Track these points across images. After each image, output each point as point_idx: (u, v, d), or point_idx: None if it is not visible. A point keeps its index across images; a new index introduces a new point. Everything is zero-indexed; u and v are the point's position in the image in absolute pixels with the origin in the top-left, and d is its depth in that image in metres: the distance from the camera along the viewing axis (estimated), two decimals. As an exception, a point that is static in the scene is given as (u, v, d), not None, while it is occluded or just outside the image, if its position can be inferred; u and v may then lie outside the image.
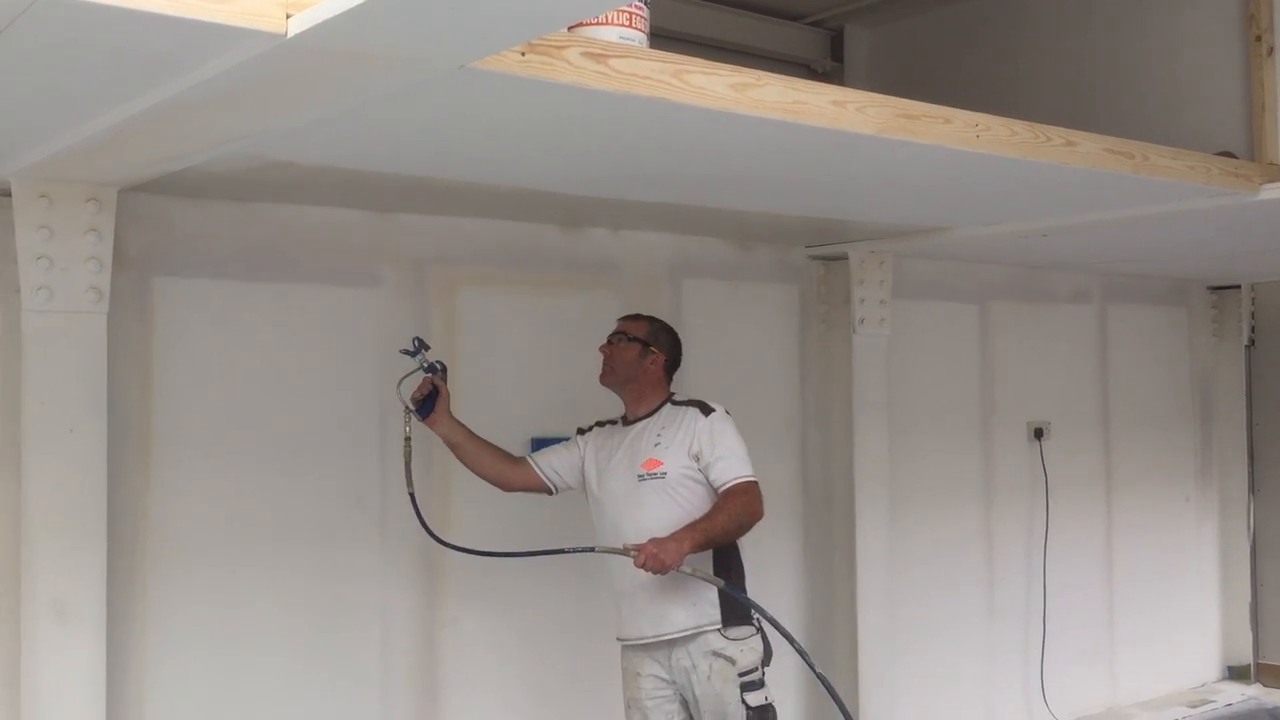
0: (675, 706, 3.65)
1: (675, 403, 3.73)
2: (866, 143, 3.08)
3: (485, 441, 3.72)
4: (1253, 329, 6.89)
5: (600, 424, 3.84)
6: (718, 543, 3.52)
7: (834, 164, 3.40)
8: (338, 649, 3.94)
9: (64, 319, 3.24)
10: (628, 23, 2.65)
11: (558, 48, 2.39)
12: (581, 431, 3.86)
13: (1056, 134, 3.47)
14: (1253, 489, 6.88)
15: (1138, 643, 6.44)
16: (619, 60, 2.51)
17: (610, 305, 4.60)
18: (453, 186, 3.61)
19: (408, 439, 3.58)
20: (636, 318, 3.83)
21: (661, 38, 2.95)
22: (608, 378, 3.76)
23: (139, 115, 2.41)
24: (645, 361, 3.72)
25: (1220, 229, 4.71)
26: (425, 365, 3.56)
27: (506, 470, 3.76)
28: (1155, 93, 4.42)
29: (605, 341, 3.78)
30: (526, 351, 4.40)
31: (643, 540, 3.43)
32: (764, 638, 3.63)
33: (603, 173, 3.44)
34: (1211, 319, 6.93)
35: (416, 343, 3.55)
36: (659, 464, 3.58)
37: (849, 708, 3.62)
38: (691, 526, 3.46)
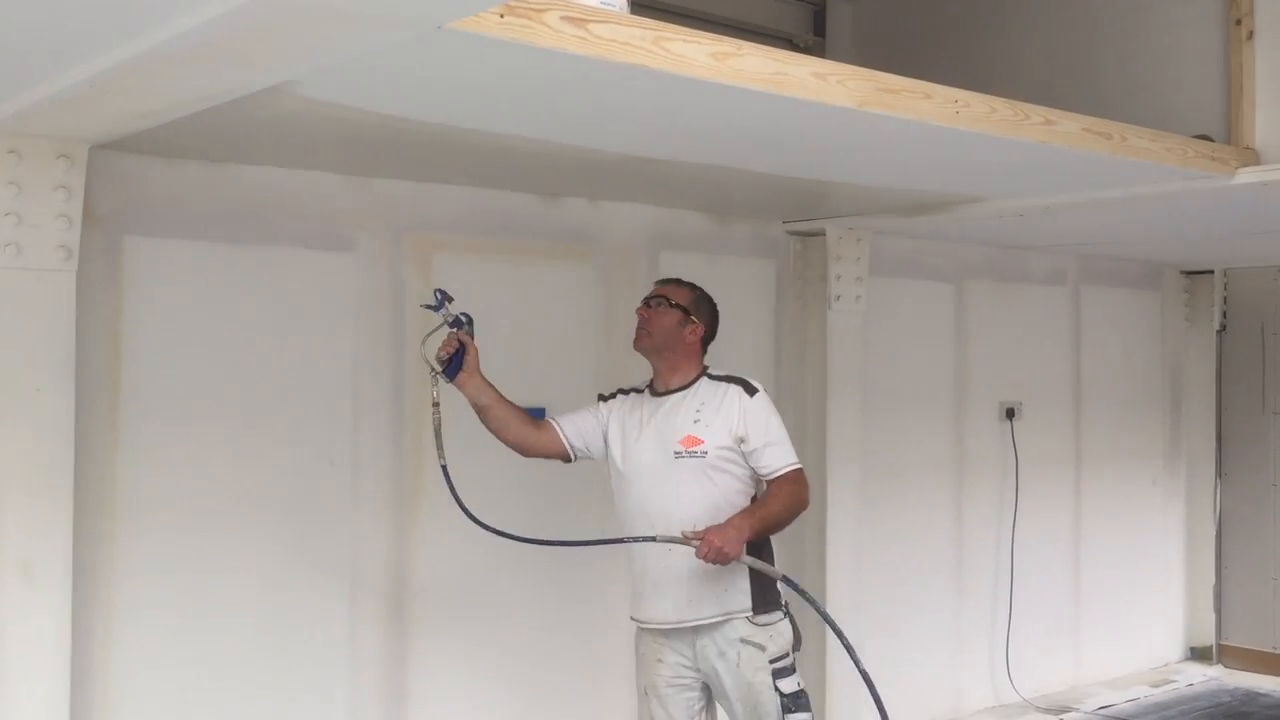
0: (695, 694, 3.51)
1: (713, 377, 3.54)
2: (846, 116, 3.07)
3: (510, 403, 3.50)
4: (1224, 314, 6.94)
5: (624, 391, 3.65)
6: (770, 532, 3.41)
7: (813, 136, 3.39)
8: (307, 612, 3.93)
9: (32, 276, 3.19)
10: (609, -13, 2.63)
11: (537, 10, 2.37)
12: (603, 398, 3.66)
13: (1036, 112, 3.48)
14: (1220, 473, 6.95)
15: (1102, 622, 6.51)
16: (599, 25, 2.49)
17: (587, 276, 4.59)
18: (428, 149, 3.57)
19: (436, 404, 3.35)
20: (679, 283, 3.62)
21: (644, 6, 2.93)
22: (643, 342, 3.54)
23: (110, 70, 2.37)
24: (684, 330, 3.52)
25: (1196, 212, 4.73)
26: (450, 320, 3.31)
27: (530, 434, 3.53)
28: (1135, 75, 4.43)
29: (642, 304, 3.58)
30: (501, 320, 4.37)
31: (673, 522, 3.32)
32: (793, 622, 3.50)
33: (581, 138, 3.41)
34: (1184, 303, 6.98)
35: (439, 295, 3.29)
36: (699, 441, 3.40)
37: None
38: (748, 514, 3.33)
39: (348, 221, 4.03)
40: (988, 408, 5.98)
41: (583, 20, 2.46)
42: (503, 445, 3.57)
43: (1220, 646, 6.93)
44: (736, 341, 5.03)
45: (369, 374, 4.07)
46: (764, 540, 3.46)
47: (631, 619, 3.60)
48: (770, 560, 3.48)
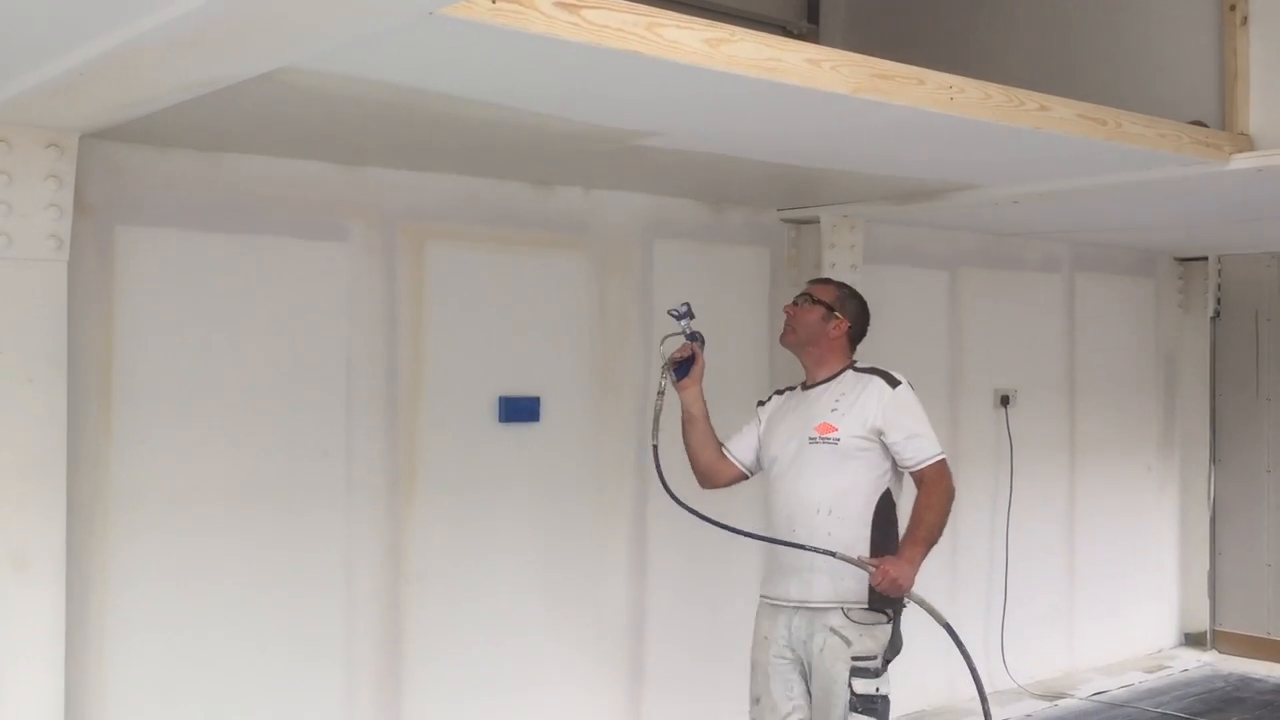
0: (796, 676, 3.57)
1: (858, 370, 3.65)
2: (840, 102, 3.07)
3: (713, 430, 3.69)
4: (1218, 301, 6.95)
5: (779, 392, 3.81)
6: (937, 541, 3.49)
7: (807, 122, 3.38)
8: (301, 601, 3.93)
9: (23, 267, 3.17)
10: (601, -26, 2.62)
11: (529, -5, 2.36)
12: (761, 404, 3.82)
13: (1030, 98, 3.47)
14: (1214, 459, 6.96)
15: (1097, 608, 6.52)
16: (591, 11, 2.48)
17: (581, 265, 4.58)
18: (420, 132, 3.55)
19: (661, 393, 3.60)
20: (826, 282, 3.78)
21: (636, -9, 2.91)
22: (788, 338, 3.70)
23: (100, 57, 2.36)
24: (828, 326, 3.63)
25: (1190, 199, 4.73)
26: (688, 332, 3.59)
27: (718, 463, 3.71)
28: (1129, 60, 4.42)
29: (791, 302, 3.75)
30: (495, 309, 4.37)
31: (803, 504, 3.46)
32: (895, 631, 3.53)
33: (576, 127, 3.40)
34: (1178, 290, 6.98)
35: (685, 307, 3.59)
36: (834, 429, 3.50)
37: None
38: (915, 541, 3.42)
39: (340, 210, 4.01)
40: (982, 395, 5.98)
41: (575, 6, 2.45)
42: (688, 467, 3.72)
43: (1214, 632, 6.94)
44: (732, 329, 5.05)
45: (362, 363, 4.06)
46: (892, 528, 3.52)
47: (761, 595, 3.70)
48: (895, 543, 3.52)
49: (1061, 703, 5.91)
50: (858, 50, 3.17)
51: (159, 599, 3.65)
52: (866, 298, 5.18)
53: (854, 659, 3.44)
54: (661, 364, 3.63)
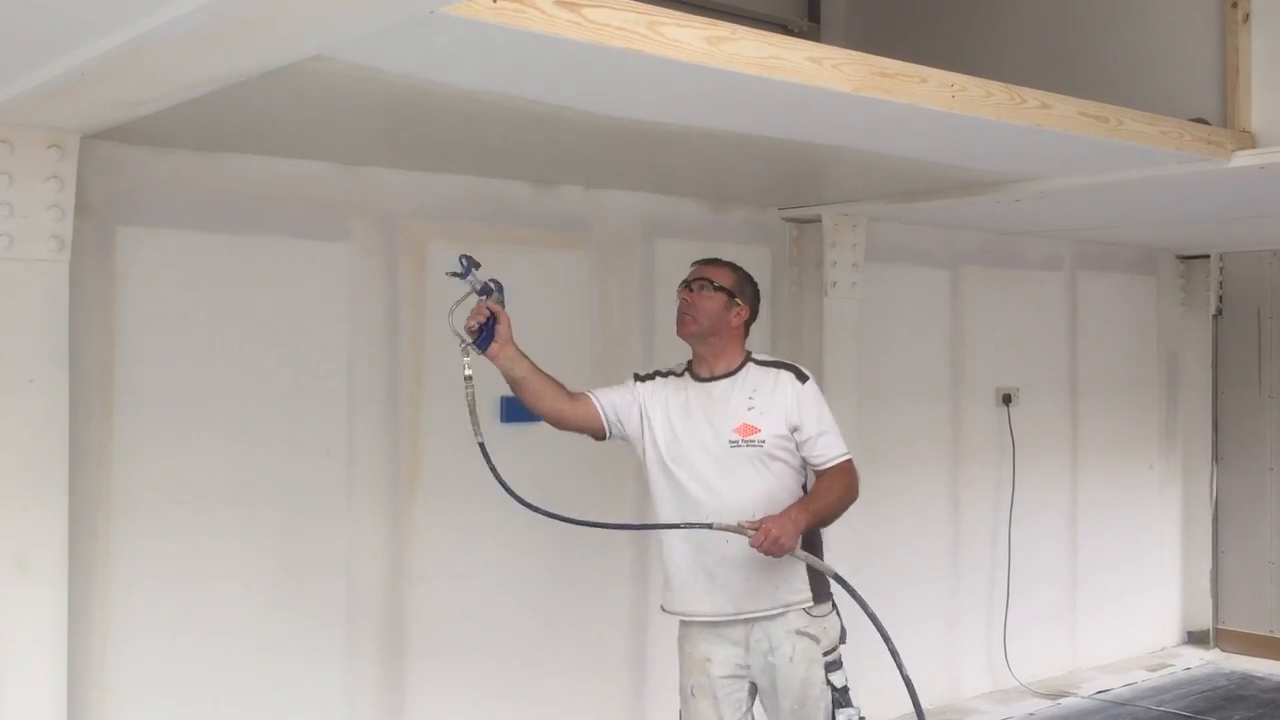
0: (744, 694, 3.38)
1: (759, 362, 3.41)
2: (841, 100, 3.06)
3: (546, 374, 3.29)
4: (1220, 299, 6.94)
5: (661, 374, 3.47)
6: (823, 524, 3.31)
7: (808, 120, 3.38)
8: (304, 602, 3.92)
9: (25, 267, 3.18)
10: (602, -28, 2.61)
11: (531, -6, 2.36)
12: (639, 378, 3.46)
13: (1032, 96, 3.47)
14: (1216, 457, 6.95)
15: (1099, 607, 6.52)
16: (592, 9, 2.47)
17: (582, 264, 4.58)
18: (422, 137, 3.56)
19: (468, 377, 3.15)
20: (718, 263, 3.47)
21: (637, -10, 2.91)
22: (688, 328, 3.37)
23: (101, 58, 2.36)
24: (729, 314, 3.37)
25: (1191, 196, 4.72)
26: (478, 287, 3.13)
27: (566, 406, 3.32)
28: (1131, 58, 4.41)
29: (683, 285, 3.43)
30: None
31: (729, 512, 3.19)
32: (838, 614, 3.40)
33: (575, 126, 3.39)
34: (1180, 288, 6.98)
35: (465, 261, 3.13)
36: (755, 430, 3.27)
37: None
38: (803, 505, 3.21)
39: (342, 211, 4.01)
40: (984, 393, 5.98)
41: (576, 4, 2.44)
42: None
43: (1217, 630, 6.94)
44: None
45: (364, 364, 4.06)
46: (815, 533, 3.36)
47: (666, 611, 3.45)
48: (821, 553, 3.38)
49: (1064, 701, 5.91)
50: (859, 48, 3.17)
51: (161, 599, 3.65)
52: (869, 297, 5.24)
53: (824, 655, 3.31)
54: (459, 343, 3.13)
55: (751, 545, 3.13)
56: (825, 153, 3.86)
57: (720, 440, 3.30)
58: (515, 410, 4.32)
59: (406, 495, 4.14)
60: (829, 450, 3.34)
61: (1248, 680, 6.37)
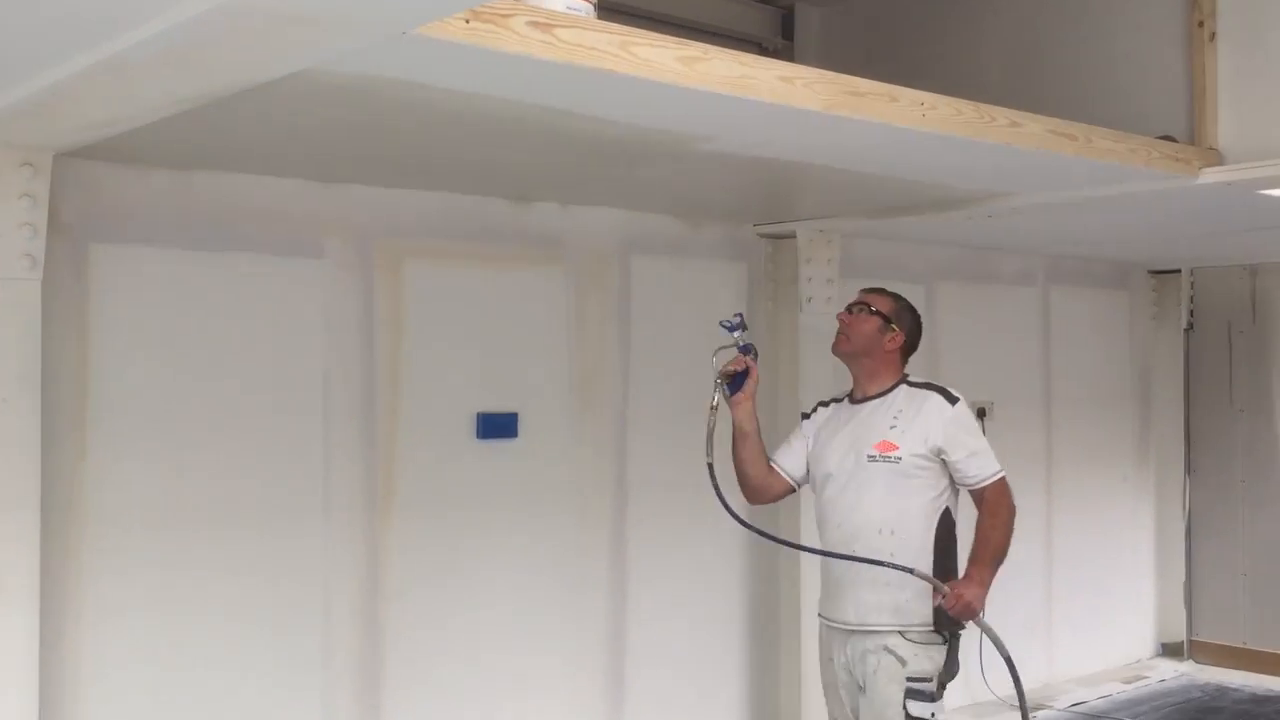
0: (848, 696, 3.54)
1: (912, 384, 3.57)
2: (813, 119, 3.09)
3: (763, 445, 3.61)
4: (1191, 313, 7.01)
5: (824, 403, 3.73)
6: (1003, 560, 3.48)
7: (781, 139, 3.40)
8: (280, 621, 3.91)
9: (-4, 286, 3.17)
10: (575, -7, 2.63)
11: (503, 15, 2.37)
12: (805, 416, 3.75)
13: (1001, 114, 3.50)
14: (1189, 470, 7.01)
15: (1074, 620, 6.55)
16: (565, 30, 2.49)
17: (558, 280, 4.59)
18: (397, 157, 3.56)
19: (714, 408, 3.46)
20: (881, 291, 3.67)
21: (611, 10, 2.93)
22: (843, 346, 3.60)
23: (74, 77, 2.36)
24: (884, 338, 3.55)
25: (1161, 213, 4.78)
26: (741, 344, 3.49)
27: (767, 479, 3.63)
28: (1099, 76, 4.47)
29: (844, 309, 3.65)
30: (473, 326, 4.37)
31: (859, 523, 3.40)
32: (952, 655, 3.47)
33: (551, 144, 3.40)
34: (1152, 302, 7.05)
35: (738, 318, 3.50)
36: (894, 447, 3.43)
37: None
38: (982, 563, 3.40)
39: (317, 228, 4.01)
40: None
41: (549, 25, 2.46)
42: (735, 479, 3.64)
43: (1191, 642, 6.98)
44: (709, 344, 5.05)
45: (340, 381, 4.05)
46: (950, 536, 3.50)
47: (819, 615, 3.65)
48: (955, 557, 3.51)
49: (1040, 714, 5.93)
50: (832, 67, 3.20)
51: (135, 620, 3.62)
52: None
53: (909, 679, 3.39)
54: (715, 378, 3.49)
55: (941, 604, 3.35)
56: (799, 170, 3.89)
57: (860, 456, 3.48)
58: (490, 427, 4.36)
59: (383, 512, 4.13)
60: (980, 471, 3.48)
61: (1222, 691, 6.41)
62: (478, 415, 4.33)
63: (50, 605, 3.36)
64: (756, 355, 3.53)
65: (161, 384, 3.68)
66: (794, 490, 3.69)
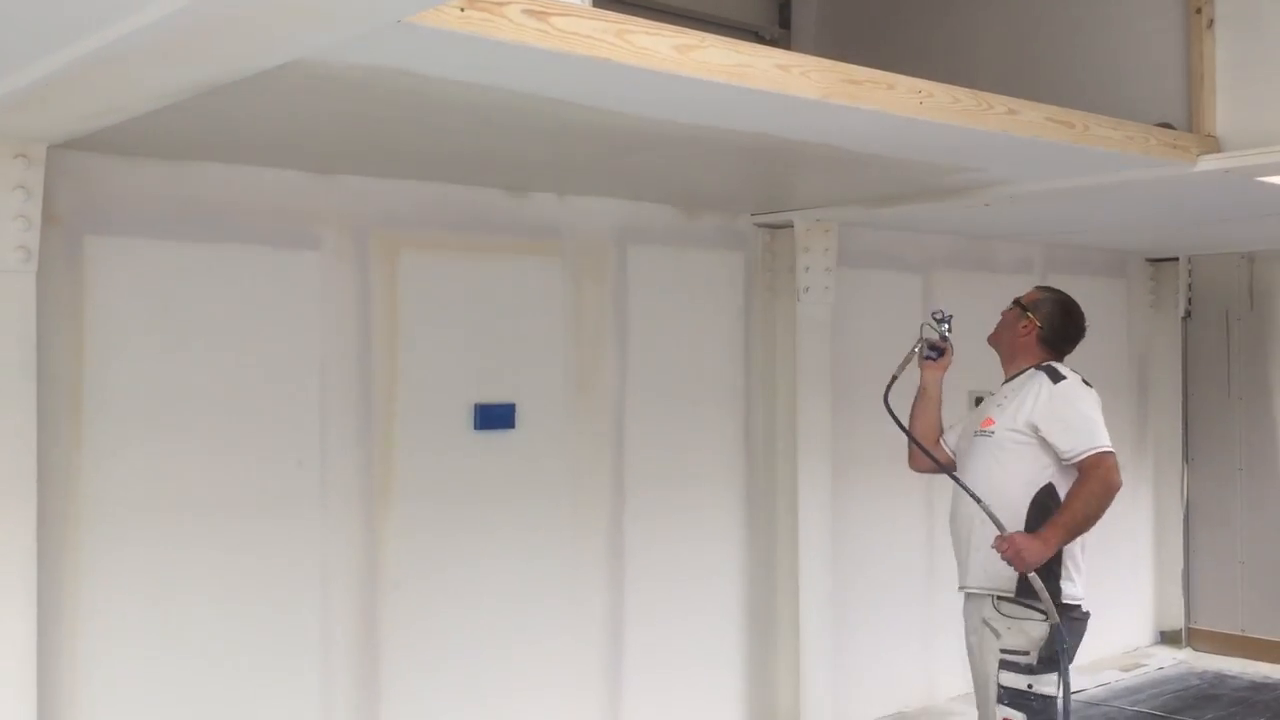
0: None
1: (1039, 368, 3.78)
2: (810, 107, 3.08)
3: (939, 416, 3.96)
4: (1189, 301, 7.01)
5: (992, 392, 4.00)
6: (1083, 530, 3.57)
7: (778, 127, 3.39)
8: (277, 612, 3.90)
9: (-9, 278, 3.16)
10: (571, -20, 2.62)
11: (498, 4, 2.36)
12: (978, 402, 4.16)
13: (999, 102, 3.49)
14: (1187, 458, 7.02)
15: (1073, 608, 6.54)
16: (560, 18, 2.48)
17: (555, 271, 4.58)
18: (393, 147, 3.54)
19: (907, 360, 3.95)
20: (1039, 288, 4.01)
21: (607, -1, 2.92)
22: (991, 336, 3.96)
23: (67, 67, 2.35)
24: (1018, 325, 3.84)
25: (1158, 200, 4.77)
26: (942, 332, 3.96)
27: (933, 447, 3.92)
28: (1097, 63, 4.46)
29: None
30: (469, 317, 4.36)
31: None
32: (1057, 631, 3.53)
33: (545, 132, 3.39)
34: (1149, 290, 7.04)
35: (949, 315, 3.97)
36: (991, 422, 3.73)
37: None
38: (1054, 525, 3.50)
39: (313, 219, 4.00)
40: (957, 396, 5.94)
41: (544, 13, 2.45)
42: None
43: (1189, 630, 7.00)
44: (706, 333, 5.06)
45: (336, 373, 4.04)
46: (1047, 515, 3.57)
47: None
48: (1061, 558, 3.59)
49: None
50: (830, 54, 3.18)
51: (132, 611, 3.62)
52: (840, 301, 5.25)
53: (1003, 651, 3.56)
54: (914, 345, 3.94)
55: (993, 546, 3.49)
56: (795, 158, 3.88)
57: (971, 430, 3.84)
58: (487, 418, 4.35)
59: (380, 503, 4.13)
60: (1074, 445, 3.60)
61: (1220, 679, 6.42)
62: (475, 406, 4.32)
63: (46, 595, 3.36)
64: (953, 351, 3.96)
65: (157, 375, 3.67)
66: (953, 465, 3.87)
